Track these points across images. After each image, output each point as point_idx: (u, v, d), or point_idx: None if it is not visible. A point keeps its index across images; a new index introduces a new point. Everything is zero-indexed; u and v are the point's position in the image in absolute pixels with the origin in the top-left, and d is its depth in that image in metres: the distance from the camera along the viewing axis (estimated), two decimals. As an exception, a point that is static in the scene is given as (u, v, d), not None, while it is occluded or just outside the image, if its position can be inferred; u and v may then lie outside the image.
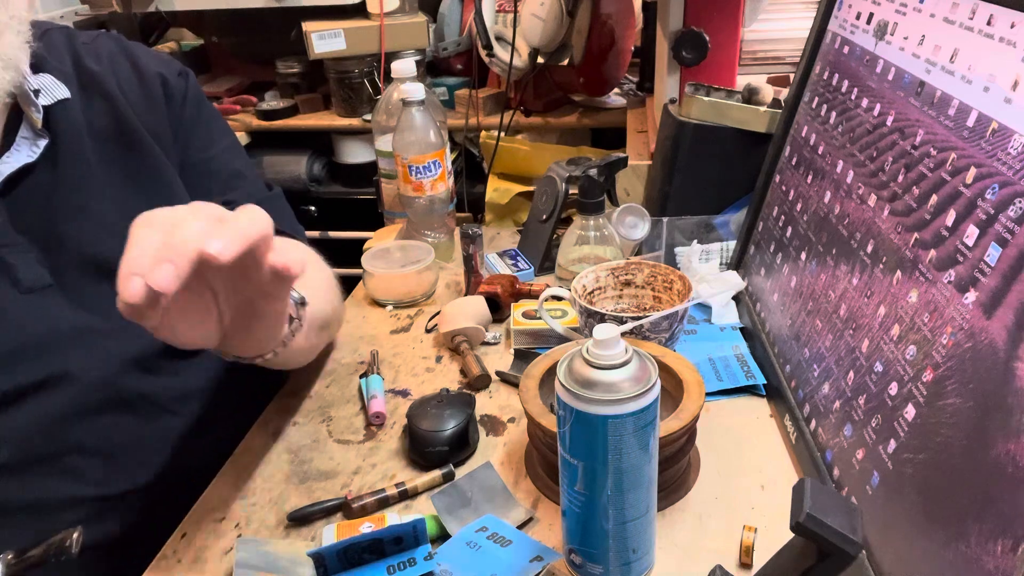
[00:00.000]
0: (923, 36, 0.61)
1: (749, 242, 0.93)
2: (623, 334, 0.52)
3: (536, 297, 0.90)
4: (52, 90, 0.73)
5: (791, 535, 0.43)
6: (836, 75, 0.78)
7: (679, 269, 0.92)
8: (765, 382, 0.78)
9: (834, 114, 0.76)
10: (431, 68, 1.98)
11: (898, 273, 0.58)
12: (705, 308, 0.91)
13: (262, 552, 0.62)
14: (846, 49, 0.77)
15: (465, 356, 0.86)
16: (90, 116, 0.75)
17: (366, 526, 0.62)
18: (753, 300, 0.89)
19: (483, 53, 1.71)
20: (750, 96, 0.98)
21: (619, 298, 0.86)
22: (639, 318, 0.74)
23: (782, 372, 0.76)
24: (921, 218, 0.56)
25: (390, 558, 0.58)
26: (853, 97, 0.73)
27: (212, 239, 0.45)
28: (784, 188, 0.86)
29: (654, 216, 1.00)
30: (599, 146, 1.77)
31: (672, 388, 0.68)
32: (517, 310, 0.91)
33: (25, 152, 0.70)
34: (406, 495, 0.68)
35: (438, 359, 0.90)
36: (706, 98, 0.99)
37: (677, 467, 0.66)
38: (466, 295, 0.99)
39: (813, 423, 0.67)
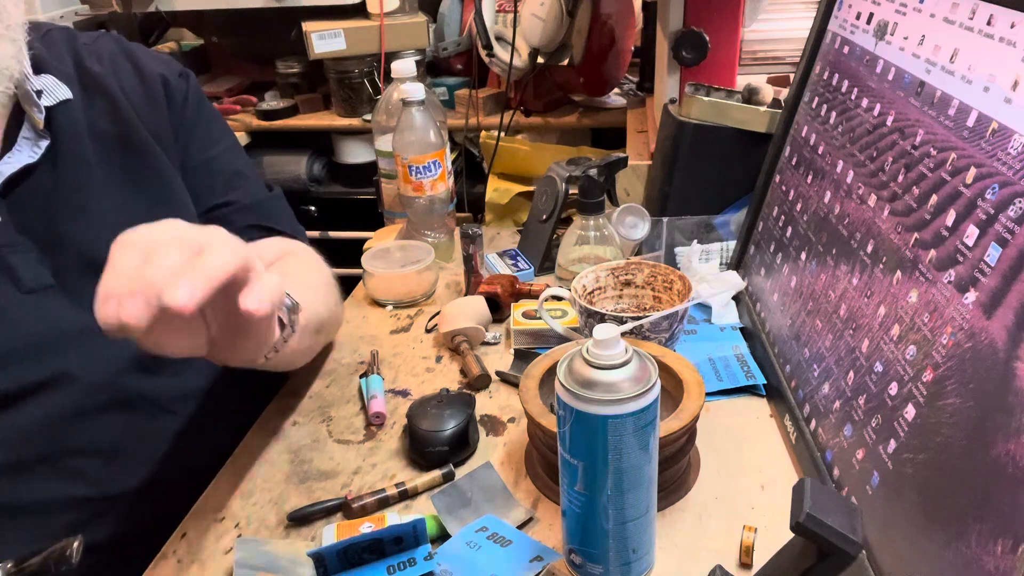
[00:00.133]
0: (923, 36, 0.61)
1: (749, 242, 0.93)
2: (623, 334, 0.52)
3: (536, 297, 0.90)
4: (54, 91, 0.73)
5: (791, 535, 0.43)
6: (836, 75, 0.78)
7: (679, 269, 0.92)
8: (765, 382, 0.78)
9: (834, 114, 0.76)
10: (431, 68, 1.99)
11: (898, 273, 0.58)
12: (705, 308, 0.91)
13: (262, 552, 0.62)
14: (846, 49, 0.77)
15: (465, 356, 0.86)
16: (91, 117, 0.75)
17: (366, 526, 0.62)
18: (753, 300, 0.89)
19: (483, 53, 1.71)
20: (750, 96, 0.98)
21: (619, 298, 0.86)
22: (639, 318, 0.74)
23: (782, 372, 0.76)
24: (921, 218, 0.56)
25: (390, 558, 0.58)
26: (853, 97, 0.73)
27: (178, 285, 0.45)
28: (784, 188, 0.86)
29: (654, 216, 1.00)
30: (599, 146, 1.77)
31: (672, 388, 0.68)
32: (517, 310, 0.91)
33: (27, 153, 0.70)
34: (406, 495, 0.68)
35: (438, 359, 0.90)
36: (706, 98, 0.99)
37: (677, 467, 0.66)
38: (466, 295, 0.99)
39: (813, 423, 0.67)
